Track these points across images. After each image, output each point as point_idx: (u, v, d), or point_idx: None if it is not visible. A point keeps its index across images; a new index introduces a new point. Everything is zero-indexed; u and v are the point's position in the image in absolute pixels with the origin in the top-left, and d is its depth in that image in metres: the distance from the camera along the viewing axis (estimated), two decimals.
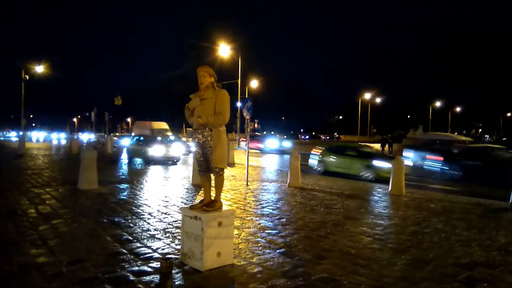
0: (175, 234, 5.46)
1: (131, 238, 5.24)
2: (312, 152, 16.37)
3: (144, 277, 3.88)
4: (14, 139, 47.80)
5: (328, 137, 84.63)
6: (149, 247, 4.85)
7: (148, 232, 5.57)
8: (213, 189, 4.47)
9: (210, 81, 4.30)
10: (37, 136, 60.09)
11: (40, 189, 9.19)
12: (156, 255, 4.55)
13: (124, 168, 15.37)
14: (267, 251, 4.84)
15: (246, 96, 32.44)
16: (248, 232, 5.76)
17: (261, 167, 17.46)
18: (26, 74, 33.96)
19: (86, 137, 51.62)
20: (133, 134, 30.86)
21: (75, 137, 44.80)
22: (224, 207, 4.43)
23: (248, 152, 12.10)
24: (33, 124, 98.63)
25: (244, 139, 35.35)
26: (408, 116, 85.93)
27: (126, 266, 4.17)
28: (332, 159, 15.17)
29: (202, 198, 4.45)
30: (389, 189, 10.02)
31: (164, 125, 34.32)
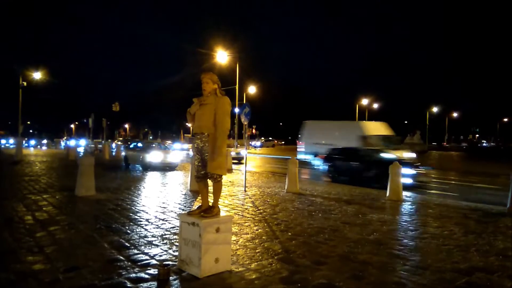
0: (172, 241, 5.44)
1: (129, 245, 5.21)
2: None
3: (142, 284, 3.85)
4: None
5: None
6: (146, 254, 4.83)
7: (145, 239, 5.54)
8: (211, 195, 4.46)
9: (213, 87, 4.33)
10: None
11: (37, 196, 9.15)
12: (153, 261, 4.53)
13: (122, 174, 15.31)
14: (265, 257, 4.82)
15: (244, 102, 32.43)
16: (246, 238, 5.74)
17: (258, 173, 17.43)
18: (24, 80, 33.92)
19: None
20: (301, 143, 23.37)
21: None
22: (222, 213, 4.42)
23: (247, 158, 12.09)
24: (30, 131, 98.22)
25: None
26: (405, 122, 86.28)
27: (123, 273, 4.14)
28: None
29: (200, 204, 4.44)
30: (387, 194, 10.03)
31: (384, 127, 22.46)
